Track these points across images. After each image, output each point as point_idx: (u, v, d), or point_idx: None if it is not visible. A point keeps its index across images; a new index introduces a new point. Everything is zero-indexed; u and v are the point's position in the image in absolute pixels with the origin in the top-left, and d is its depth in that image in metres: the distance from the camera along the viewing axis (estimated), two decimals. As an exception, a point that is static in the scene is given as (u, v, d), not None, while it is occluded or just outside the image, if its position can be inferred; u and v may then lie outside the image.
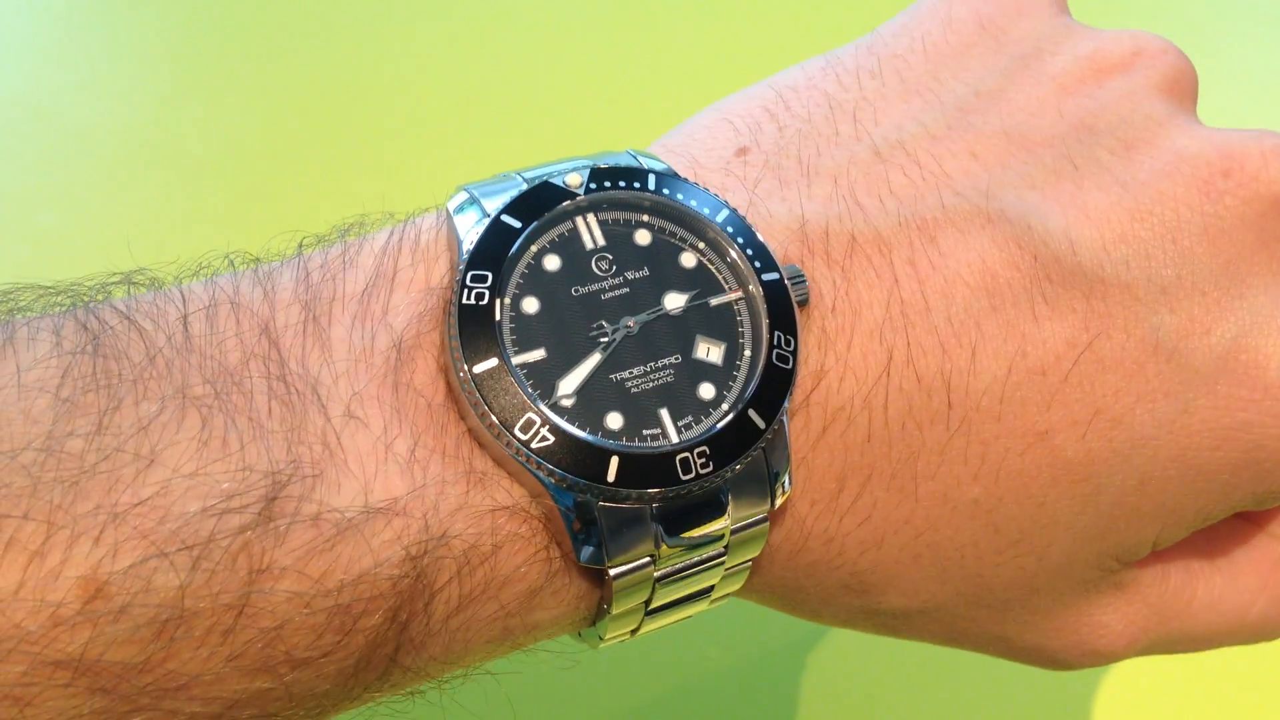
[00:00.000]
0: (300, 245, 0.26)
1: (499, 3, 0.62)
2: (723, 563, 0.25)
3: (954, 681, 0.42)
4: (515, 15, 0.62)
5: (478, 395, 0.23)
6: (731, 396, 0.25)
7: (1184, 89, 0.29)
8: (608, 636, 0.26)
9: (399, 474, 0.22)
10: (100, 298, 0.24)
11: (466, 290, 0.24)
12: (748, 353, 0.25)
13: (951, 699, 0.42)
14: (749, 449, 0.24)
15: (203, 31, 0.57)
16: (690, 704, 0.41)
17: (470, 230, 0.25)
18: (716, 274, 0.25)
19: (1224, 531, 0.30)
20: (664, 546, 0.24)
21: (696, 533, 0.24)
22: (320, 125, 0.54)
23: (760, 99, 0.29)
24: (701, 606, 0.27)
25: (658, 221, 0.26)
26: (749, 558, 0.26)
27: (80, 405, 0.21)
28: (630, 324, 0.24)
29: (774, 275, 0.25)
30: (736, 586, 0.27)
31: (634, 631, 0.26)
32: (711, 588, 0.26)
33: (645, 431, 0.24)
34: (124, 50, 0.56)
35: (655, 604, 0.25)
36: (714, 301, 0.25)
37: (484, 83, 0.58)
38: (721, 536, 0.25)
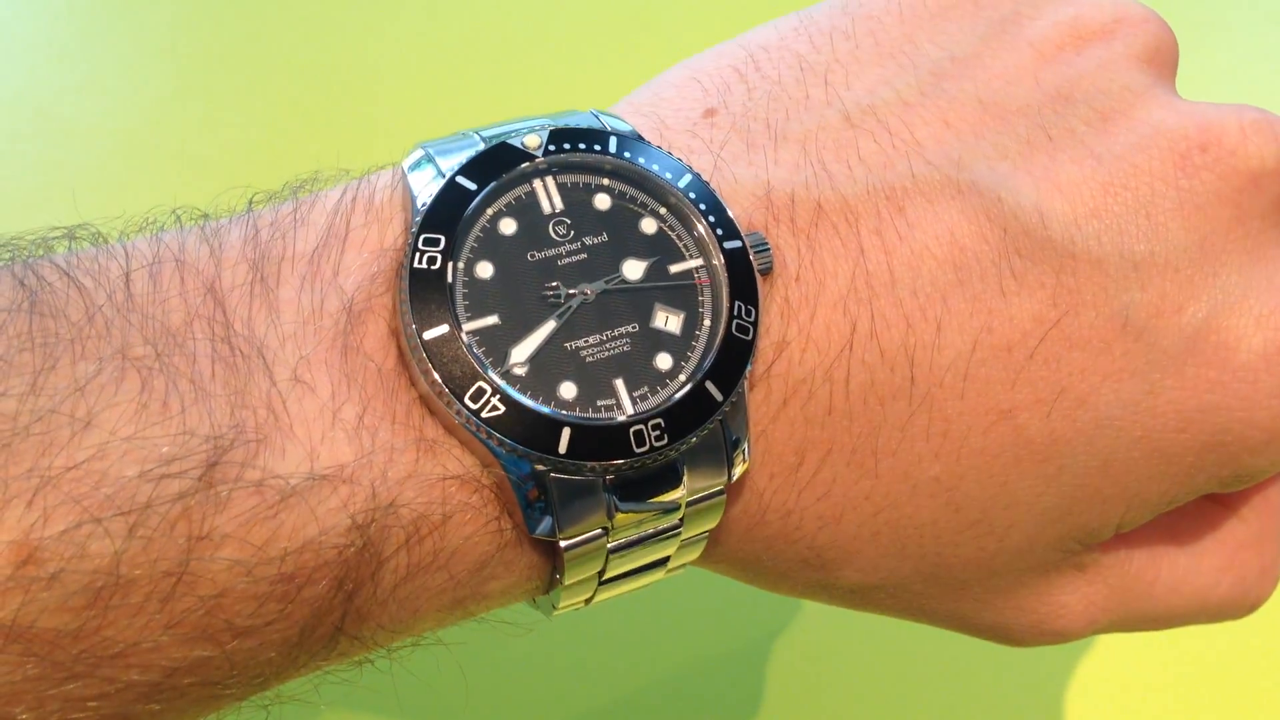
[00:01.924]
0: (250, 201, 0.25)
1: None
2: (679, 534, 0.25)
3: (937, 667, 0.42)
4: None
5: (428, 362, 0.22)
6: (689, 367, 0.24)
7: (1164, 59, 0.28)
8: (561, 605, 0.26)
9: (346, 440, 0.22)
10: (40, 252, 0.23)
11: (418, 254, 0.23)
12: (707, 322, 0.24)
13: (932, 684, 0.42)
14: (706, 422, 0.24)
15: (203, 31, 0.57)
16: (647, 673, 0.41)
17: (425, 189, 0.24)
18: (677, 241, 0.25)
19: (1191, 512, 0.30)
20: (618, 515, 0.24)
21: (651, 502, 0.24)
22: (321, 124, 0.53)
23: (730, 58, 0.28)
24: (658, 576, 0.27)
25: (618, 185, 0.25)
26: (705, 529, 0.25)
27: (14, 365, 0.20)
28: (587, 291, 0.24)
29: (736, 243, 0.24)
30: (693, 557, 0.26)
31: (588, 600, 0.26)
32: (667, 558, 0.26)
33: (599, 402, 0.23)
34: (124, 50, 0.56)
35: (609, 574, 0.25)
36: (674, 269, 0.25)
37: (482, 73, 0.56)
38: (677, 507, 0.24)
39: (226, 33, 0.56)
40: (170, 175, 0.51)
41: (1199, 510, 0.30)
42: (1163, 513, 0.27)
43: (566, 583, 0.24)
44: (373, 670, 0.25)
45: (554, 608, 0.26)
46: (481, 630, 0.26)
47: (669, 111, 0.27)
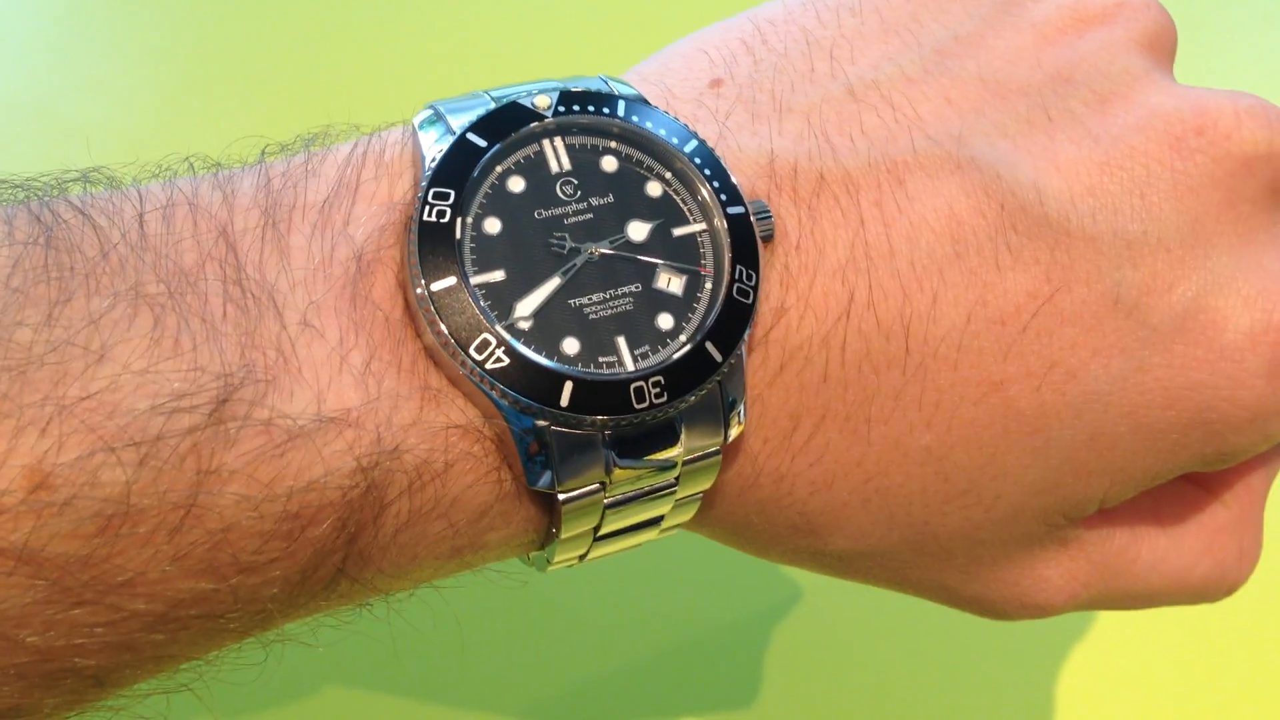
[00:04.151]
0: (263, 152, 0.25)
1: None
2: (674, 493, 0.25)
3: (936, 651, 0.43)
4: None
5: (434, 313, 0.23)
6: (690, 328, 0.25)
7: (1163, 45, 0.29)
8: (555, 560, 0.26)
9: (353, 385, 0.22)
10: (55, 193, 0.24)
11: (428, 207, 0.23)
12: (708, 285, 0.25)
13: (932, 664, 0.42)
14: (705, 381, 0.24)
15: (203, 31, 0.57)
16: (640, 625, 0.42)
17: (434, 145, 0.24)
18: (681, 204, 0.25)
19: (1172, 495, 0.30)
20: (615, 470, 0.24)
21: (648, 459, 0.24)
22: (321, 124, 0.53)
23: (738, 31, 0.29)
24: (651, 535, 0.27)
25: (625, 149, 0.25)
26: (700, 489, 0.26)
27: (30, 296, 0.21)
28: (593, 250, 0.24)
29: (739, 209, 0.25)
30: (686, 518, 0.27)
31: (582, 557, 0.27)
32: (661, 517, 0.26)
33: (601, 359, 0.24)
34: (124, 50, 0.56)
35: (604, 530, 0.26)
36: (677, 232, 0.25)
37: (489, 48, 0.56)
38: (673, 465, 0.25)
39: (227, 33, 0.56)
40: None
41: (1181, 493, 0.31)
42: (1145, 490, 0.28)
43: (563, 536, 0.25)
44: (369, 617, 0.25)
45: (548, 562, 0.26)
46: (477, 585, 0.26)
47: (676, 81, 0.28)
